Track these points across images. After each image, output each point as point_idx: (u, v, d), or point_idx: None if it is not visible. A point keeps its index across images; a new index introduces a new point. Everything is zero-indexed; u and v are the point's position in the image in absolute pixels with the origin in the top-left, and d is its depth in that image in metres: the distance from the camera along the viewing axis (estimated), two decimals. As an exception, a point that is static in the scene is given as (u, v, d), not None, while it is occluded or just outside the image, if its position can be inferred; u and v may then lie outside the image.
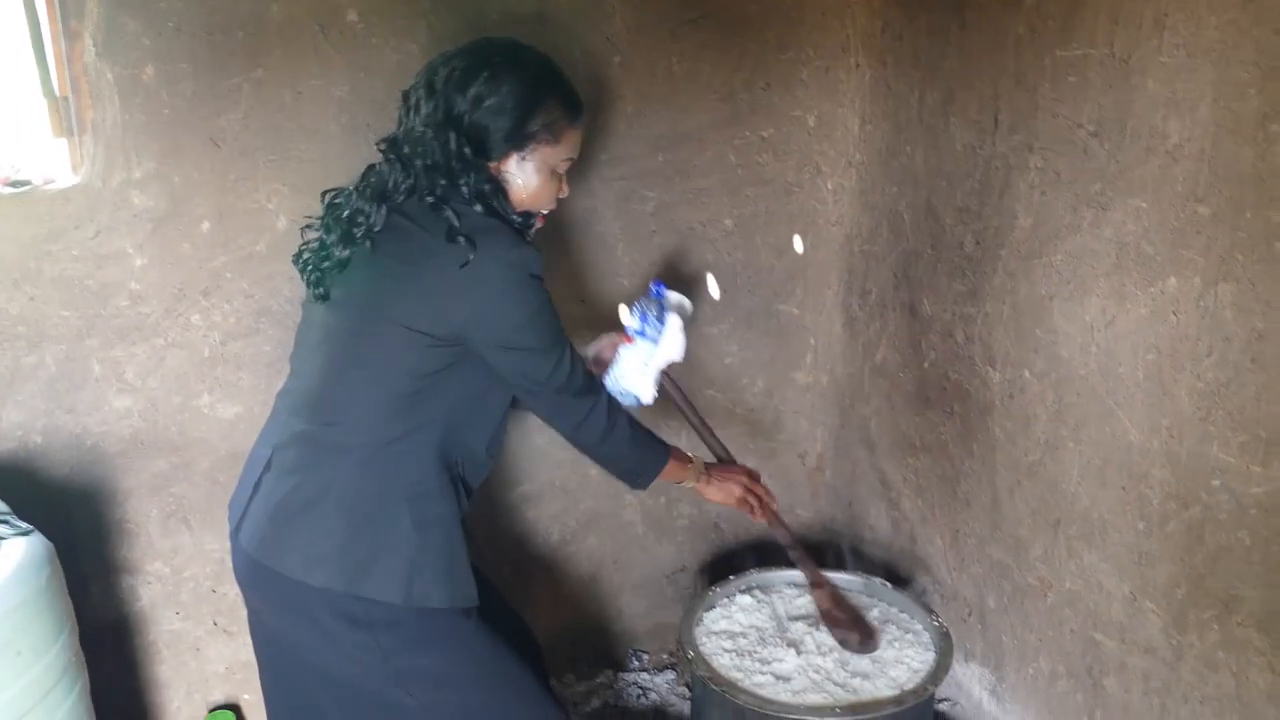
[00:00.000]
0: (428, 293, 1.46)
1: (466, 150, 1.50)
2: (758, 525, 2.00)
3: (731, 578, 2.20)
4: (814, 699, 1.85)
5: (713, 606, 2.14)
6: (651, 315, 1.82)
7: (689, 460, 1.83)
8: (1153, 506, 1.68)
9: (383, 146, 1.57)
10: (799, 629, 2.05)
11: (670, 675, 2.54)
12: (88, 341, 1.93)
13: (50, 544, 1.65)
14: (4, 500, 1.73)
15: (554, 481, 2.39)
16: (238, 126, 1.91)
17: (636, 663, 2.58)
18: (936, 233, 2.13)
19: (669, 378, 1.91)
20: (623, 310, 1.87)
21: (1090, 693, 1.88)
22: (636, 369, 1.81)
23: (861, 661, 1.95)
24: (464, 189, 1.51)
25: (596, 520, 2.47)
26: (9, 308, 1.86)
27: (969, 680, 2.26)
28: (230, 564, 1.64)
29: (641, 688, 2.50)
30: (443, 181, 1.51)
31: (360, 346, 1.51)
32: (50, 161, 1.94)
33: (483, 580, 1.62)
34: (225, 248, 1.97)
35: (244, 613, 1.70)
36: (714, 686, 1.85)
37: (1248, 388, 1.47)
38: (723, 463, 1.96)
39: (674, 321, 1.83)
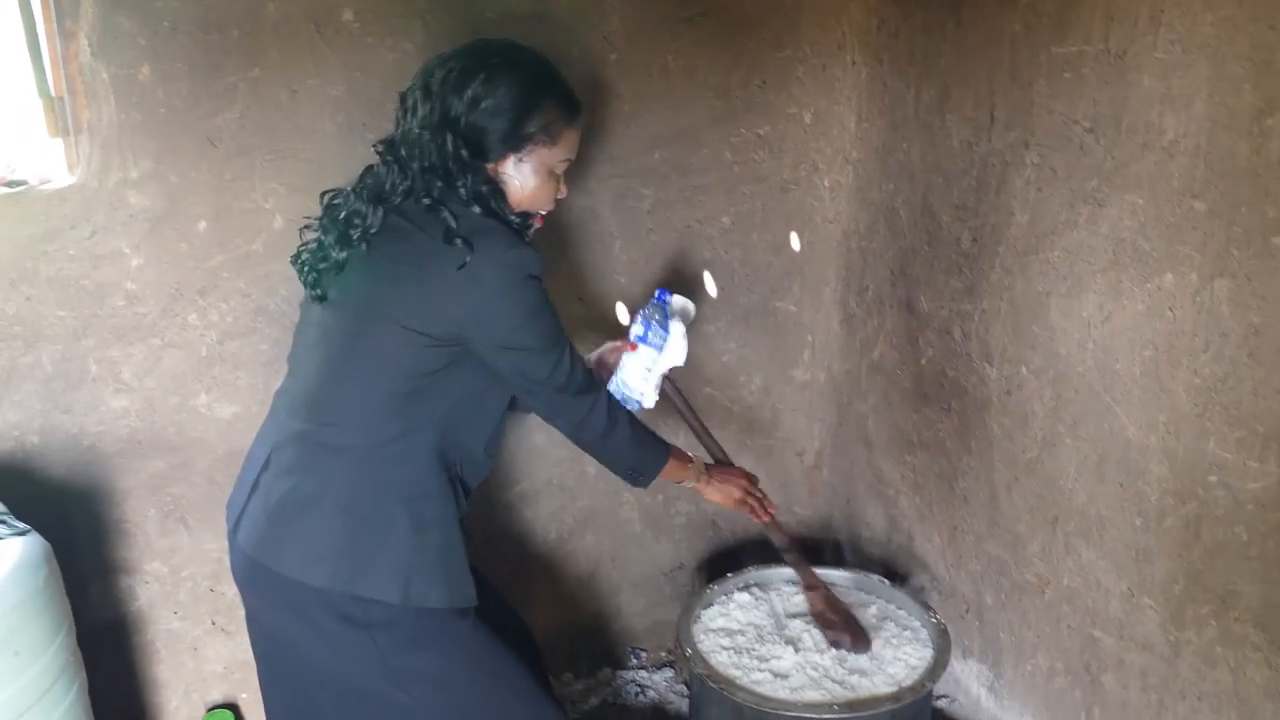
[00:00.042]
0: (426, 293, 1.46)
1: (464, 152, 1.50)
2: (755, 523, 2.01)
3: (729, 575, 2.20)
4: (812, 696, 1.86)
5: (711, 604, 2.13)
6: (655, 322, 1.82)
7: (689, 460, 1.83)
8: (1150, 502, 1.68)
9: (380, 148, 1.57)
10: (797, 626, 2.05)
11: (668, 673, 2.54)
12: (84, 341, 1.92)
13: (48, 544, 1.65)
14: (1, 500, 1.72)
15: (551, 480, 2.39)
16: (234, 126, 1.91)
17: (635, 660, 2.58)
18: (933, 229, 2.13)
19: (670, 380, 1.91)
20: (620, 309, 1.87)
21: (1088, 689, 1.88)
22: (640, 375, 1.82)
23: (859, 658, 1.95)
24: (461, 190, 1.51)
25: (594, 518, 2.47)
26: (5, 308, 1.86)
27: (967, 677, 2.26)
28: (228, 563, 1.64)
29: (640, 685, 2.50)
30: (440, 183, 1.50)
31: (358, 347, 1.51)
32: (46, 161, 1.93)
33: (481, 579, 1.62)
34: (222, 247, 1.97)
35: (242, 612, 1.70)
36: (712, 684, 1.85)
37: (1245, 383, 1.48)
38: (720, 464, 1.96)
39: (678, 328, 1.84)
